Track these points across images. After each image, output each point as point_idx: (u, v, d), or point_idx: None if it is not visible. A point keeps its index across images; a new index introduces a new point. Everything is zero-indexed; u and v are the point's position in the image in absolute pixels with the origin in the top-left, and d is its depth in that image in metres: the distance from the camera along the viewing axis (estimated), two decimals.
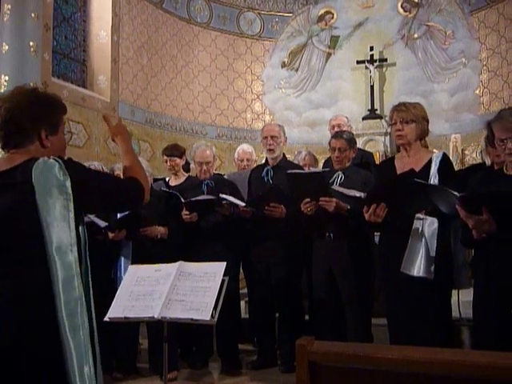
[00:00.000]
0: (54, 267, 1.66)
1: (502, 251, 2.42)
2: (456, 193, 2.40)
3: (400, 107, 3.02)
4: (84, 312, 1.70)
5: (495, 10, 8.66)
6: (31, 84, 5.12)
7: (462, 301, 3.74)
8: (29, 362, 1.63)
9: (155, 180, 4.61)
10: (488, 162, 3.26)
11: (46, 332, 1.66)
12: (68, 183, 1.70)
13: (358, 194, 3.22)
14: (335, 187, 3.41)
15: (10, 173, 1.72)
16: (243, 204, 3.83)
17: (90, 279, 1.82)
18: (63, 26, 7.49)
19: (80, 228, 1.79)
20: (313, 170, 3.46)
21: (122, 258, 3.76)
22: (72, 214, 1.70)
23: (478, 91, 8.93)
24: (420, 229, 2.82)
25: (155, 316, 2.48)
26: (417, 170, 2.90)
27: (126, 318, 2.52)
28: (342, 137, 3.70)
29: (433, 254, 2.78)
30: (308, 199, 3.46)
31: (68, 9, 7.60)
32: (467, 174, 3.07)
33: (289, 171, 3.54)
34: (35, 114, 1.78)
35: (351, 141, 3.73)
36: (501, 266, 2.44)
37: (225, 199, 3.82)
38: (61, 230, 1.68)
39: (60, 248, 1.67)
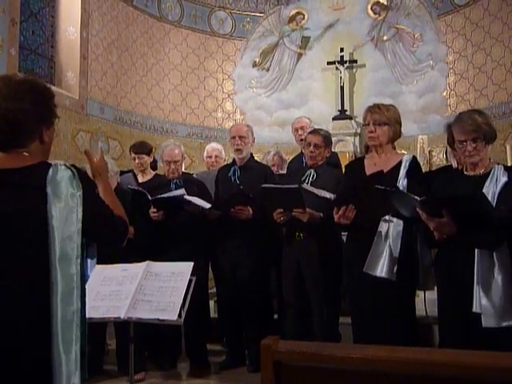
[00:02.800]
0: (54, 277, 1.61)
1: (463, 251, 2.47)
2: (417, 197, 2.44)
3: (374, 109, 3.04)
4: (79, 326, 1.65)
5: (462, 14, 8.84)
6: None
7: (428, 299, 3.81)
8: (16, 372, 1.57)
9: (122, 173, 4.53)
10: (454, 164, 3.33)
11: (37, 342, 1.60)
12: (80, 195, 1.67)
13: (328, 195, 3.23)
14: (306, 186, 3.42)
15: (19, 173, 1.66)
16: (207, 206, 3.80)
17: (85, 295, 1.76)
18: (31, 20, 7.33)
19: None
20: (289, 185, 3.44)
21: (88, 259, 3.69)
22: (80, 226, 1.66)
23: (444, 93, 9.10)
24: (385, 230, 2.86)
25: (121, 316, 2.45)
26: (386, 171, 2.94)
27: (90, 318, 2.48)
28: (319, 133, 3.71)
29: (396, 255, 2.81)
30: (281, 210, 3.47)
31: (36, 3, 7.44)
32: (434, 177, 3.12)
33: (264, 185, 3.52)
34: (39, 115, 1.73)
35: (327, 139, 3.73)
36: (462, 266, 2.49)
37: (190, 201, 3.78)
38: (67, 241, 1.64)
39: (64, 259, 1.63)
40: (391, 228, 2.86)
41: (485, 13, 8.44)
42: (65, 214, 1.64)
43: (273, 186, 3.59)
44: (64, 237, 1.63)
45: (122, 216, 1.90)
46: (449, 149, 3.49)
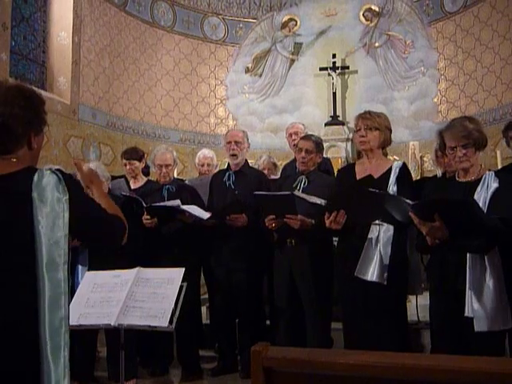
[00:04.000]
0: (41, 283, 1.60)
1: (455, 256, 2.48)
2: (409, 201, 2.46)
3: (365, 115, 3.12)
4: (67, 332, 1.64)
5: (452, 21, 8.91)
6: None
7: (420, 304, 3.82)
8: (4, 379, 1.56)
9: (113, 178, 4.52)
10: (439, 172, 3.36)
11: (25, 349, 1.58)
12: (66, 199, 1.65)
13: (319, 200, 3.24)
14: (298, 193, 3.43)
15: (5, 180, 1.65)
16: (206, 217, 3.79)
17: (70, 300, 1.75)
18: (22, 26, 7.30)
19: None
20: (282, 192, 3.45)
21: (79, 266, 3.67)
22: (66, 231, 1.65)
23: (436, 99, 9.16)
24: (376, 235, 2.88)
25: (112, 323, 2.44)
26: (376, 176, 2.96)
27: (80, 325, 2.47)
28: (311, 139, 3.71)
29: (386, 260, 2.84)
30: (273, 216, 3.48)
31: (27, 8, 7.42)
32: (425, 184, 3.15)
33: (256, 193, 3.53)
34: (27, 120, 1.71)
35: (319, 145, 3.74)
36: (454, 270, 2.50)
37: (186, 211, 3.77)
38: (54, 247, 1.62)
39: (51, 264, 1.61)
40: (382, 233, 2.88)
41: (475, 20, 8.51)
42: (51, 219, 1.62)
43: (265, 193, 3.60)
44: (51, 242, 1.62)
45: (119, 214, 1.90)
46: (433, 157, 3.53)
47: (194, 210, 3.80)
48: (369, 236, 2.89)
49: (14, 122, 1.68)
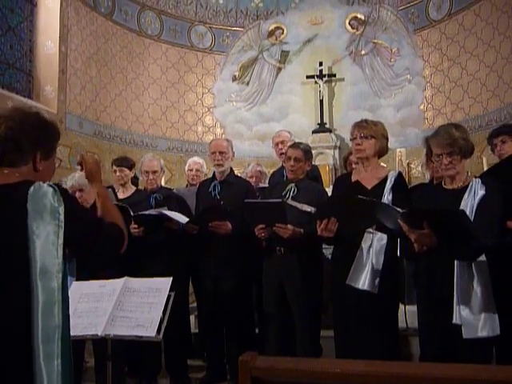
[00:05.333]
0: (35, 291, 1.62)
1: (443, 263, 2.49)
2: (399, 209, 2.47)
3: (361, 123, 3.11)
4: (60, 341, 1.64)
5: (437, 29, 9.01)
6: None
7: (409, 310, 3.82)
8: None
9: None
10: (427, 175, 3.38)
11: (18, 357, 1.60)
12: (61, 210, 1.68)
13: (309, 208, 3.25)
14: (289, 201, 3.43)
15: (3, 189, 1.69)
16: (185, 221, 3.79)
17: (68, 309, 1.76)
18: (8, 35, 7.27)
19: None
20: (272, 200, 3.45)
21: (68, 276, 3.63)
22: (61, 241, 1.68)
23: (422, 107, 9.24)
24: (369, 243, 2.88)
25: (99, 334, 2.41)
26: (372, 185, 2.99)
27: None
28: (299, 147, 3.72)
29: (379, 268, 2.83)
30: (263, 225, 3.48)
31: (14, 18, 7.39)
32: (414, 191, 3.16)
33: (246, 200, 3.54)
34: (35, 137, 1.78)
35: (308, 153, 3.75)
36: (441, 278, 2.51)
37: (167, 216, 3.77)
38: (48, 255, 1.65)
39: (44, 273, 1.64)
40: (375, 241, 2.87)
41: (460, 28, 8.62)
42: (46, 228, 1.65)
43: (256, 200, 3.60)
44: (45, 252, 1.64)
45: (117, 222, 1.93)
46: (423, 161, 3.54)
47: (175, 215, 3.80)
48: (362, 244, 2.89)
49: (21, 137, 1.74)
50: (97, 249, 1.91)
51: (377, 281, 2.83)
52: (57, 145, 1.90)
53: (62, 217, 1.68)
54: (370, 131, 3.05)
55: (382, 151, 3.15)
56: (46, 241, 1.65)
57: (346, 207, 2.81)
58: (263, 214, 3.45)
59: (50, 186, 1.71)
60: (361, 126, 3.09)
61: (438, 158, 2.58)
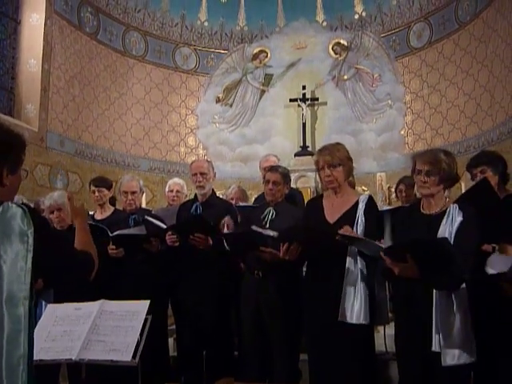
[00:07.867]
0: (0, 319, 1.54)
1: (421, 289, 2.49)
2: (381, 244, 2.48)
3: (324, 152, 3.07)
4: (26, 371, 1.57)
5: (418, 56, 9.21)
6: None
7: (387, 334, 3.81)
8: None
9: None
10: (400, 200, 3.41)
11: None
12: (31, 233, 1.60)
13: (271, 233, 3.26)
14: (253, 227, 3.43)
15: None
16: (164, 227, 3.78)
17: (33, 336, 1.67)
18: None
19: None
20: (243, 230, 3.50)
21: (43, 302, 3.53)
22: (29, 266, 1.59)
23: (402, 132, 9.38)
24: (352, 269, 2.86)
25: (73, 358, 2.36)
26: (345, 210, 3.00)
27: (41, 360, 2.38)
28: (278, 171, 3.74)
29: (367, 298, 2.82)
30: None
31: None
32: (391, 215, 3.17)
33: (224, 232, 3.57)
34: (1, 155, 1.68)
35: (286, 176, 3.77)
36: (420, 305, 2.51)
37: (151, 222, 3.78)
38: (15, 281, 1.57)
39: (11, 300, 1.56)
40: (359, 267, 2.86)
41: (439, 56, 8.82)
42: (14, 252, 1.58)
43: (231, 232, 3.63)
44: (12, 277, 1.57)
45: (89, 250, 1.89)
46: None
47: (156, 221, 3.83)
48: (346, 268, 2.87)
49: None
50: (65, 275, 1.86)
51: (367, 311, 2.81)
52: (23, 157, 1.80)
53: (30, 240, 1.60)
54: (336, 159, 3.01)
55: (350, 173, 3.16)
56: (14, 266, 1.57)
57: (308, 235, 2.88)
58: (243, 243, 3.48)
59: (20, 206, 1.63)
60: (325, 154, 3.04)
61: (418, 175, 2.60)
